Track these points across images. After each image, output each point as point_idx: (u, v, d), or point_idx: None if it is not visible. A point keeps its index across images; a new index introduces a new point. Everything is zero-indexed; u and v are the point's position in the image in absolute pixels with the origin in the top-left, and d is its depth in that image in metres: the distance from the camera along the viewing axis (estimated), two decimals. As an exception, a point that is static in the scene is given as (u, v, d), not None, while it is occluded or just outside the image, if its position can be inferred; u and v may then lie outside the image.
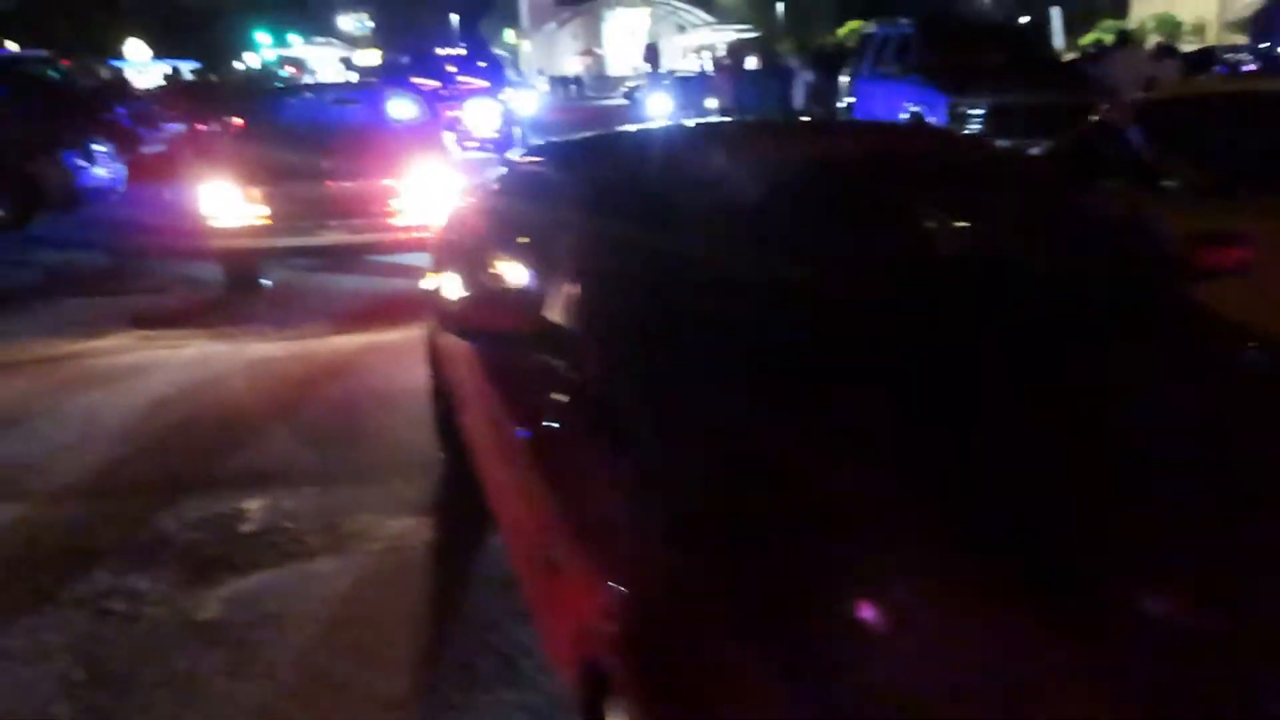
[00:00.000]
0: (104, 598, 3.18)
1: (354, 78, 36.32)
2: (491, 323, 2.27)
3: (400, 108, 8.55)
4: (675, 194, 2.55)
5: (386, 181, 6.98)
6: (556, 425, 2.13)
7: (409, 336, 6.18)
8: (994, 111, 9.74)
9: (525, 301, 2.28)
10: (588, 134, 3.61)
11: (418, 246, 7.22)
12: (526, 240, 2.83)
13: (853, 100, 13.60)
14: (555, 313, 2.24)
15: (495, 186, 3.62)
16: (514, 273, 2.72)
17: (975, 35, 11.80)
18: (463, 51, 19.57)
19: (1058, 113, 9.69)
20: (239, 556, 3.41)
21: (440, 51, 18.55)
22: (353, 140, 7.61)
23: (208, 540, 3.56)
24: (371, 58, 52.10)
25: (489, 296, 2.38)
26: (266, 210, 6.89)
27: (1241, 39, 33.92)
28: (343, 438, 4.55)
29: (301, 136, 7.79)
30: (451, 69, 16.79)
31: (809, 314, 2.11)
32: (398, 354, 5.84)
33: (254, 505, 3.83)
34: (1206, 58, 15.06)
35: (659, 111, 24.08)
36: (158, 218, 11.09)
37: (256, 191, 6.85)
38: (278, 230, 6.91)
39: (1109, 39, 16.32)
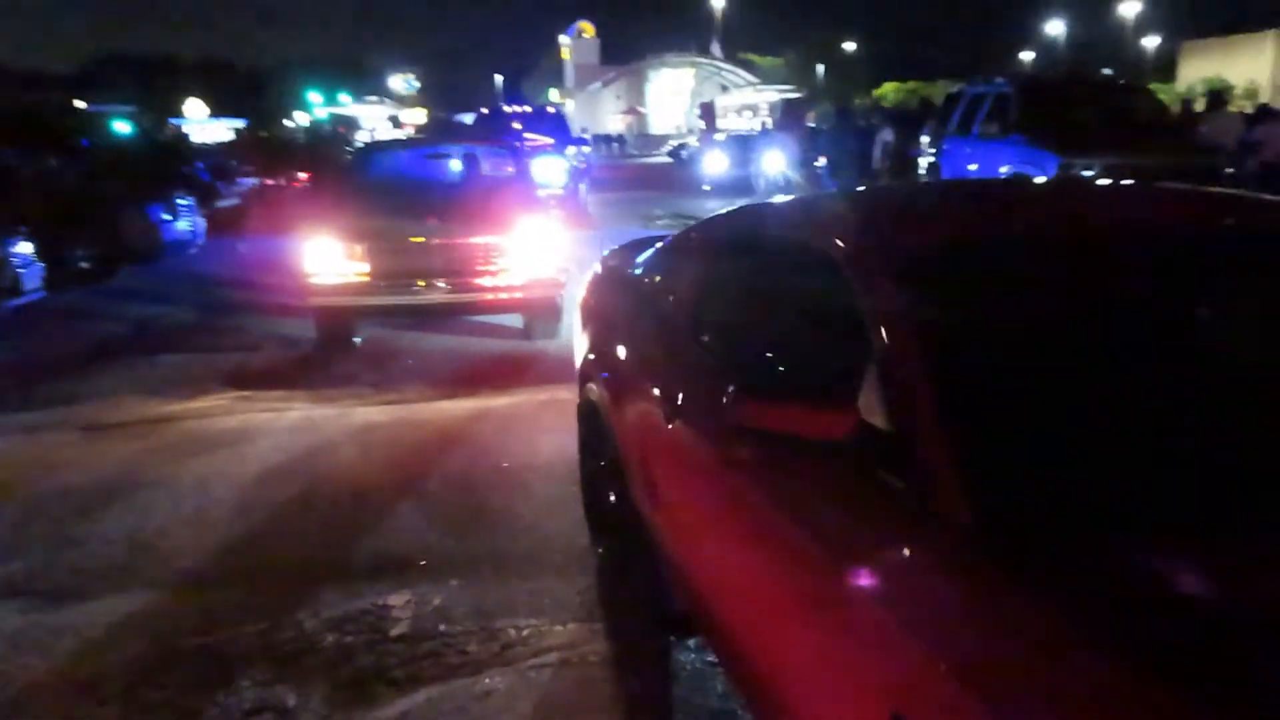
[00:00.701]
0: (251, 718, 2.79)
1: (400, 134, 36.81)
2: (786, 424, 1.87)
3: (497, 164, 8.33)
4: (1032, 267, 2.14)
5: (489, 239, 6.70)
6: (883, 559, 1.71)
7: (516, 403, 5.86)
8: (1106, 172, 9.32)
9: (835, 401, 1.87)
10: (867, 189, 3.26)
11: (521, 307, 6.95)
12: (807, 317, 2.41)
13: (933, 159, 13.27)
14: (881, 414, 1.83)
15: (708, 247, 3.22)
16: (794, 357, 2.32)
17: (1078, 94, 11.43)
18: (528, 109, 19.58)
19: (1171, 175, 9.26)
20: (397, 668, 3.02)
21: (508, 110, 18.54)
22: (453, 196, 7.37)
23: (356, 644, 3.17)
24: (418, 116, 53.12)
25: (778, 391, 1.96)
26: (366, 267, 6.62)
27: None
28: (473, 519, 4.17)
29: (401, 192, 7.58)
30: (517, 126, 16.71)
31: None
32: (509, 422, 5.49)
33: (399, 601, 3.44)
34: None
35: (715, 169, 23.96)
36: (243, 272, 10.98)
37: (357, 248, 6.59)
38: (377, 288, 6.64)
39: (1199, 101, 15.90)
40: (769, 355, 2.38)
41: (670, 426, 2.72)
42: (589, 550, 3.80)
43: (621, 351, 3.34)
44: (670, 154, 47.45)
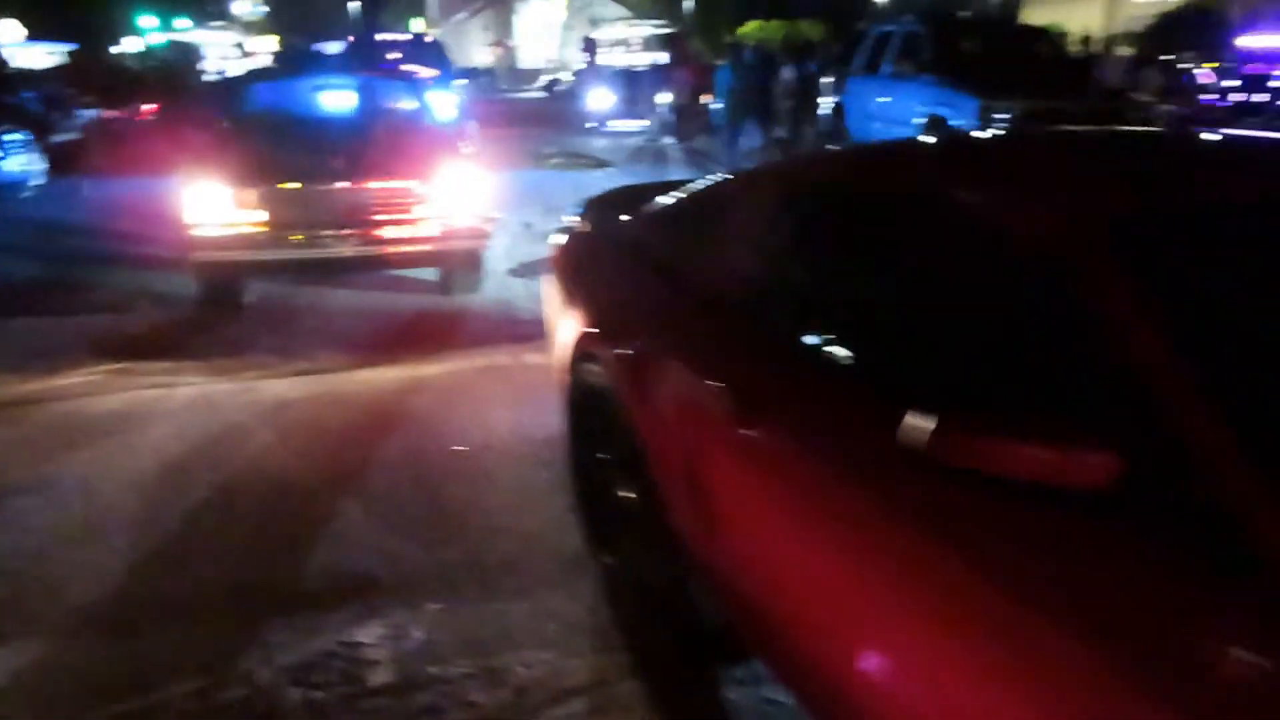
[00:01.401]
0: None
1: (249, 64, 34.20)
2: (1028, 468, 1.36)
3: (395, 98, 7.43)
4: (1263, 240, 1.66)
5: (405, 183, 5.91)
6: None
7: (451, 372, 5.20)
8: (1027, 116, 9.17)
9: (1093, 438, 1.36)
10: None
11: (440, 259, 6.22)
12: (987, 312, 1.80)
13: (836, 100, 12.97)
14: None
15: (793, 206, 2.53)
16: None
17: (987, 35, 11.26)
18: (408, 37, 18.20)
19: (1088, 119, 9.19)
20: (394, 734, 2.41)
21: (382, 38, 17.15)
22: (357, 134, 6.48)
23: (329, 701, 2.53)
24: (268, 43, 49.57)
25: (1012, 425, 1.42)
26: (260, 216, 5.73)
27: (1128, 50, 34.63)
28: (435, 519, 3.55)
29: (295, 129, 6.65)
30: (395, 56, 15.43)
31: None
32: (448, 395, 4.83)
33: (370, 637, 2.81)
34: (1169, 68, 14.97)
35: (601, 105, 23.16)
36: (97, 218, 9.69)
37: (249, 194, 5.69)
38: (275, 240, 5.76)
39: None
40: (949, 365, 1.83)
41: (743, 431, 2.19)
42: (583, 554, 3.24)
43: (648, 329, 2.75)
44: (544, 89, 46.06)
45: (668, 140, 18.72)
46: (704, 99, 20.32)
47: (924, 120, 10.24)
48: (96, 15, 53.19)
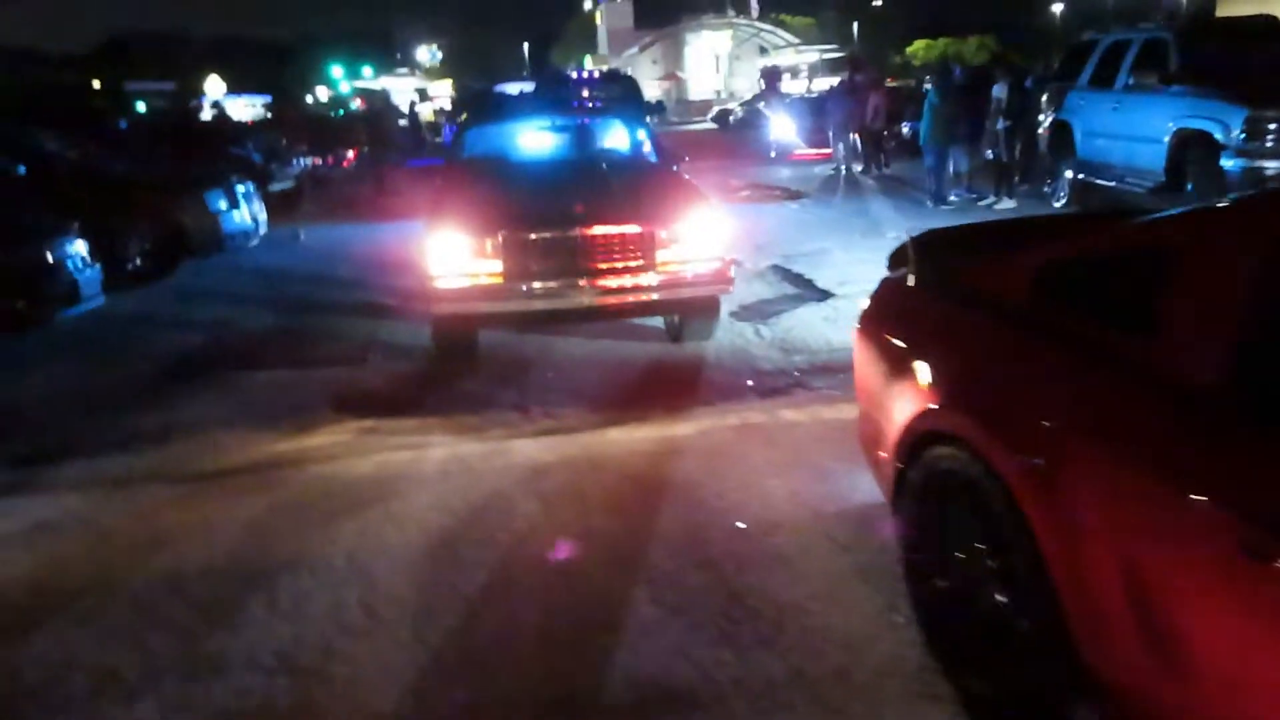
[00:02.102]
0: None
1: (428, 109, 35.50)
2: None
3: (615, 136, 7.17)
4: None
5: (649, 227, 5.57)
6: None
7: (704, 431, 4.80)
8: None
9: None
10: None
11: (682, 307, 5.85)
12: None
13: (1058, 117, 11.96)
14: None
15: None
16: None
17: (1239, 39, 10.10)
18: (597, 74, 18.31)
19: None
20: None
21: (575, 75, 17.26)
22: (590, 177, 6.23)
23: None
24: (443, 88, 51.69)
25: None
26: (499, 265, 5.51)
27: None
28: (739, 616, 3.09)
29: (526, 174, 6.47)
30: (589, 94, 15.47)
31: None
32: (710, 460, 4.41)
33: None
34: None
35: (783, 135, 22.66)
36: (317, 265, 9.95)
37: (489, 242, 5.48)
38: (516, 291, 5.52)
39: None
40: None
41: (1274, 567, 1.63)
42: (929, 670, 2.72)
43: (1063, 416, 2.20)
44: (715, 119, 45.98)
45: (857, 168, 18.03)
46: (898, 129, 19.56)
47: (1173, 135, 9.23)
48: (291, 68, 57.08)
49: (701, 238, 5.59)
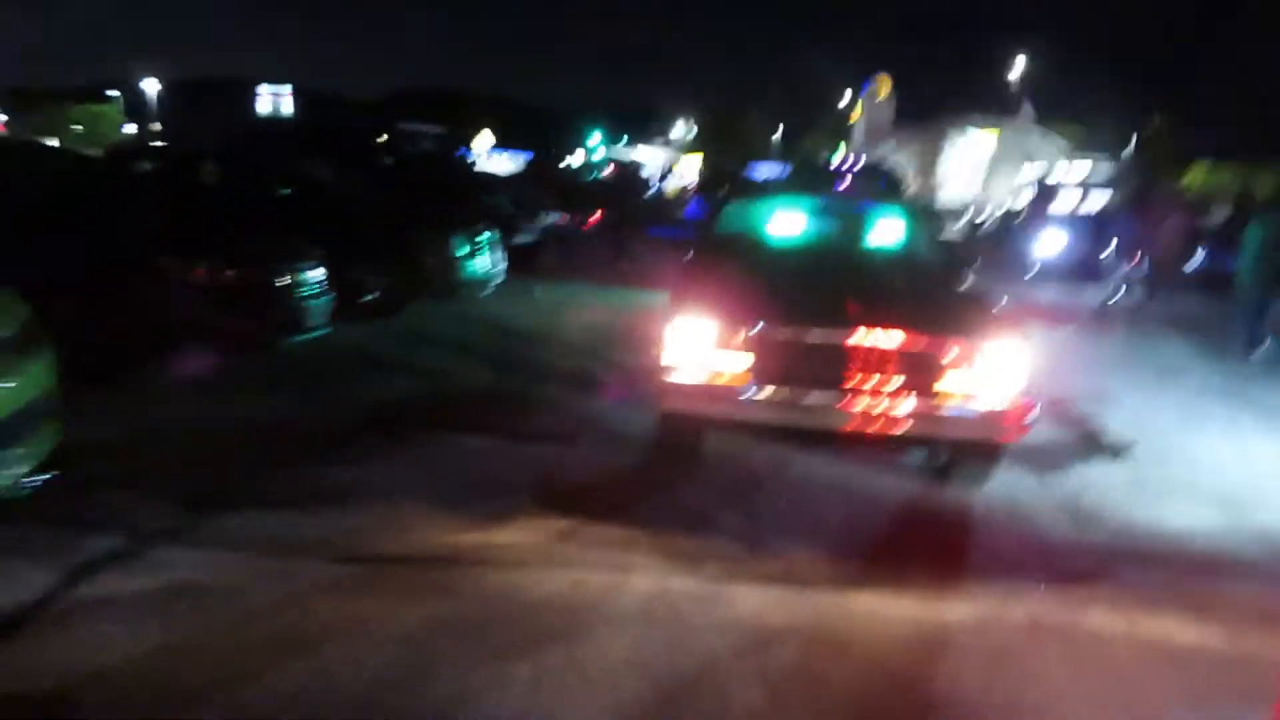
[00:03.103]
0: None
1: (674, 182, 35.61)
2: None
3: (906, 233, 6.19)
4: None
5: (933, 341, 4.58)
6: None
7: (987, 622, 3.72)
8: None
9: None
10: None
11: (966, 446, 4.78)
12: None
13: None
14: None
15: None
16: None
17: None
18: (856, 165, 17.47)
19: None
20: None
21: (836, 161, 16.49)
22: (870, 274, 5.33)
23: None
24: (692, 162, 52.16)
25: None
26: (748, 364, 4.67)
27: None
28: None
29: (789, 261, 5.64)
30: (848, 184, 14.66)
31: None
32: (997, 671, 3.34)
33: None
34: None
35: (1049, 252, 20.80)
36: (549, 323, 9.53)
37: (740, 336, 4.66)
38: (762, 397, 4.65)
39: None
40: None
41: None
42: None
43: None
44: (964, 228, 43.42)
45: (1136, 298, 16.06)
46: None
47: None
48: (553, 130, 59.94)
49: (1000, 366, 4.54)
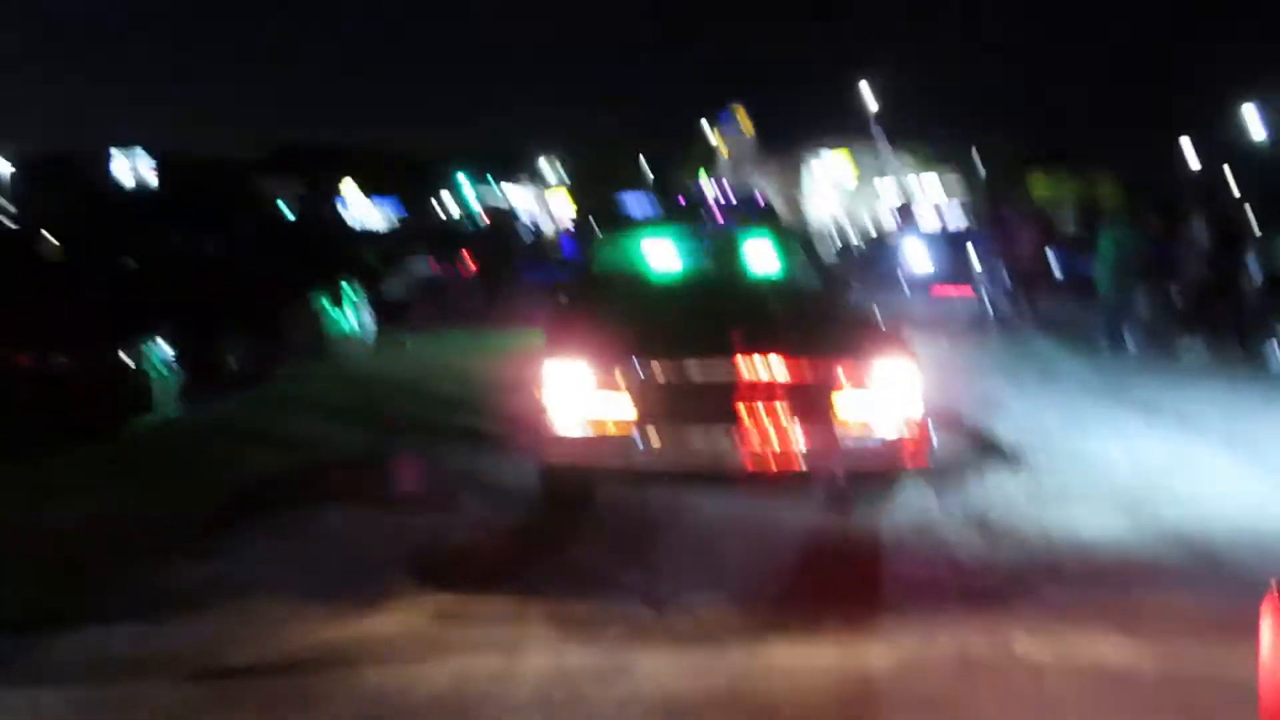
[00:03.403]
0: None
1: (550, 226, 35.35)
2: None
3: (786, 258, 5.99)
4: None
5: (828, 368, 4.35)
6: None
7: (910, 664, 3.47)
8: None
9: None
10: None
11: (870, 477, 4.56)
12: None
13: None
14: None
15: None
16: None
17: None
18: (727, 194, 17.51)
19: None
20: None
21: (709, 192, 16.48)
22: (757, 299, 5.09)
23: None
24: (560, 199, 51.91)
25: None
26: (631, 410, 4.35)
27: None
28: None
29: (665, 296, 5.38)
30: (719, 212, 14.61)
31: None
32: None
33: None
34: None
35: (919, 269, 21.33)
36: (423, 380, 9.00)
37: (623, 379, 4.35)
38: (648, 443, 4.33)
39: None
40: None
41: None
42: None
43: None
44: (837, 253, 44.30)
45: (1004, 307, 16.55)
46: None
47: None
48: (421, 176, 58.78)
49: (895, 388, 4.34)
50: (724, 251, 5.91)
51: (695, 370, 4.29)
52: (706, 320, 4.70)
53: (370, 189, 51.98)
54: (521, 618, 3.81)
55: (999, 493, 5.51)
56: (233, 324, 8.64)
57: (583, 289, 5.76)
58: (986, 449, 6.63)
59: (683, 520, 4.99)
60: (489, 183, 59.06)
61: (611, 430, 4.32)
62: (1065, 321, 14.45)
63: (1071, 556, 4.47)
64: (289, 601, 3.96)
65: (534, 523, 4.97)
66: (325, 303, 9.32)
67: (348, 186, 52.62)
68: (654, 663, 3.44)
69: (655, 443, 4.27)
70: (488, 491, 5.45)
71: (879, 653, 3.49)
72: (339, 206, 35.17)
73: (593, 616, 3.82)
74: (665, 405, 4.29)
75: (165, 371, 6.51)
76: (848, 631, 3.65)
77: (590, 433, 4.33)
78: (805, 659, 3.46)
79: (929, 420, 4.48)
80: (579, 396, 4.33)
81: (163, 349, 6.52)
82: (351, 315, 9.77)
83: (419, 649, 3.55)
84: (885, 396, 4.31)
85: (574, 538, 4.69)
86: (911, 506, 5.18)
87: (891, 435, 4.30)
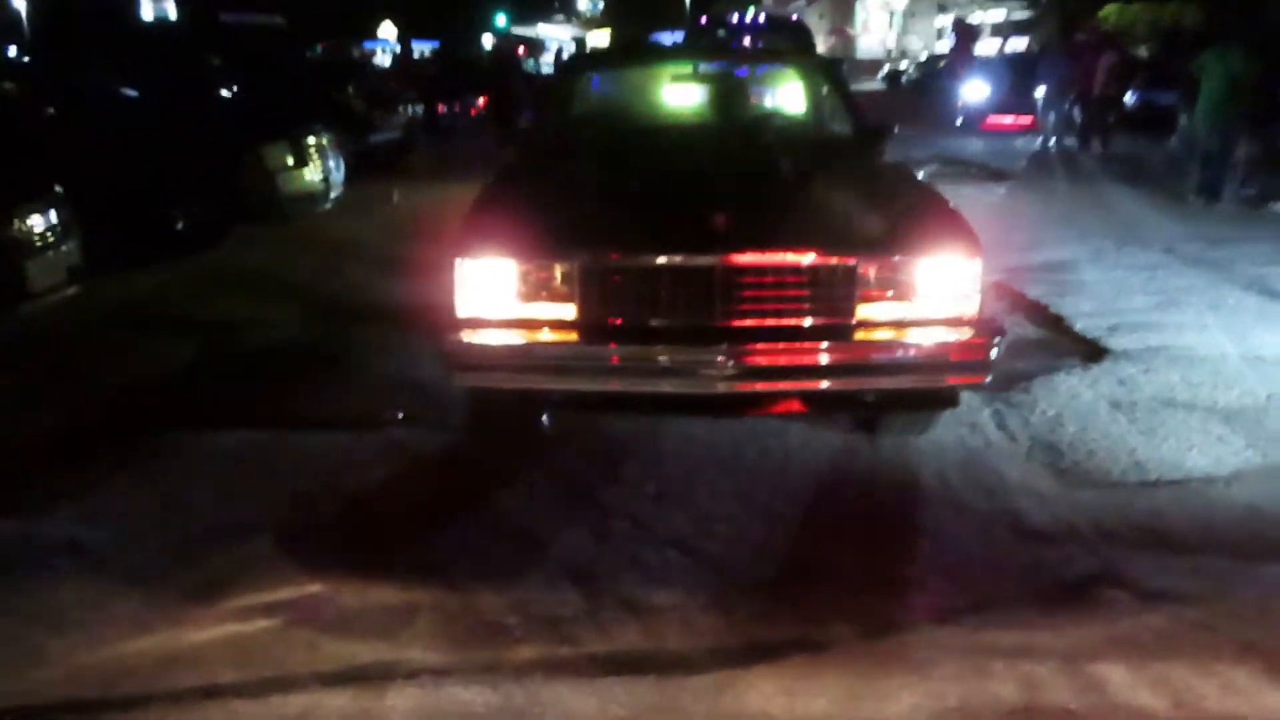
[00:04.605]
0: None
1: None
2: None
3: (808, 99, 4.56)
4: None
5: (852, 258, 3.05)
6: None
7: (982, 698, 2.29)
8: None
9: None
10: None
11: (916, 399, 3.35)
12: None
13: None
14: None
15: None
16: None
17: None
18: (761, 20, 15.56)
19: None
20: None
21: (736, 20, 14.59)
22: (759, 159, 3.76)
23: None
24: (602, 37, 49.07)
25: None
26: (573, 314, 3.12)
27: None
28: None
29: (642, 152, 4.04)
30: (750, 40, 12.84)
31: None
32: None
33: None
34: None
35: (975, 99, 19.28)
36: (391, 243, 7.79)
37: (559, 270, 3.10)
38: (603, 360, 3.12)
39: None
40: None
41: None
42: None
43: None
44: (886, 80, 41.75)
45: (1070, 143, 14.78)
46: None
47: None
48: (460, 16, 55.93)
49: (949, 282, 3.04)
50: (728, 90, 4.48)
51: (666, 263, 3.02)
52: (688, 192, 3.39)
53: (409, 31, 49.57)
54: (408, 619, 2.73)
55: (1074, 404, 4.26)
56: (179, 179, 7.47)
57: (534, 144, 4.42)
58: (1056, 334, 5.36)
59: (658, 446, 3.84)
60: (522, 20, 56.03)
61: (548, 344, 3.10)
62: (1141, 161, 12.76)
63: (1181, 515, 3.26)
64: (98, 585, 2.91)
65: (461, 455, 3.84)
66: (277, 155, 8.01)
67: (384, 28, 50.24)
68: (577, 703, 2.35)
69: (607, 361, 3.05)
70: (428, 404, 4.30)
71: (908, 695, 2.35)
72: (370, 48, 32.97)
73: (504, 615, 2.73)
74: (624, 311, 3.05)
75: (50, 242, 5.35)
76: (862, 657, 2.53)
77: (520, 349, 3.12)
78: (797, 705, 2.35)
79: (992, 323, 3.19)
80: (500, 299, 3.10)
81: (45, 216, 5.34)
82: (317, 167, 8.47)
83: (257, 669, 2.49)
84: (933, 298, 3.02)
85: (504, 481, 3.55)
86: (960, 425, 3.98)
87: (939, 350, 3.03)
